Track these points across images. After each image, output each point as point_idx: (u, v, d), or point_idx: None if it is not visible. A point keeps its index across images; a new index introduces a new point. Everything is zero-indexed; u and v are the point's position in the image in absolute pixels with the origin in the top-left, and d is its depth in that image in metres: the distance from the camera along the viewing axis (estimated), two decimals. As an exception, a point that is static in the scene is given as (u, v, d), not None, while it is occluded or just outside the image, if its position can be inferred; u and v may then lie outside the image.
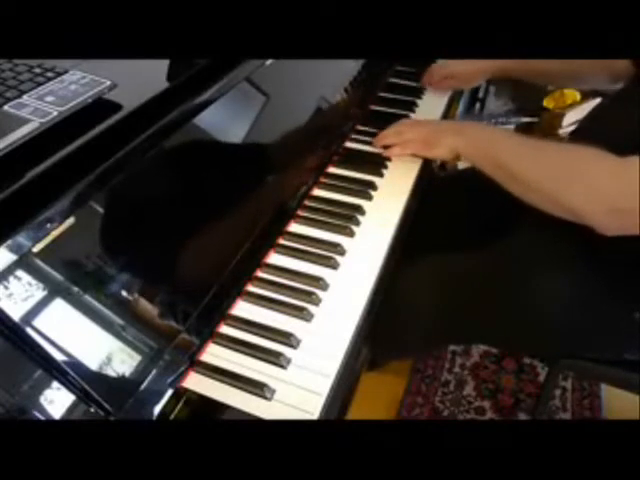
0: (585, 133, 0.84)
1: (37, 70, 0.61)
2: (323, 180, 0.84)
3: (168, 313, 0.56)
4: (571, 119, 1.74)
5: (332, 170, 0.86)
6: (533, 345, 0.93)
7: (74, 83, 0.59)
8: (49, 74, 0.60)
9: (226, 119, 0.70)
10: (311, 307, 0.64)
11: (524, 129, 1.84)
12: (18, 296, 0.45)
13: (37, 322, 0.46)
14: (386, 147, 0.90)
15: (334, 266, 0.70)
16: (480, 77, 1.07)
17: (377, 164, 0.87)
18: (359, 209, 0.79)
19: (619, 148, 0.64)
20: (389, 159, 0.88)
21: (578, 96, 1.77)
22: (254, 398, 0.55)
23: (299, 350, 0.60)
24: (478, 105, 1.85)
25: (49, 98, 0.56)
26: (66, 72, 0.61)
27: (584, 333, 0.83)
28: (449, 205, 1.02)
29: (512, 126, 1.85)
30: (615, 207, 0.66)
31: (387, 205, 0.81)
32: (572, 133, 0.98)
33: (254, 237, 0.68)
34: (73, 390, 0.47)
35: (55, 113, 0.54)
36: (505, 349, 1.33)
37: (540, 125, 1.84)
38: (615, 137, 0.66)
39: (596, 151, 0.68)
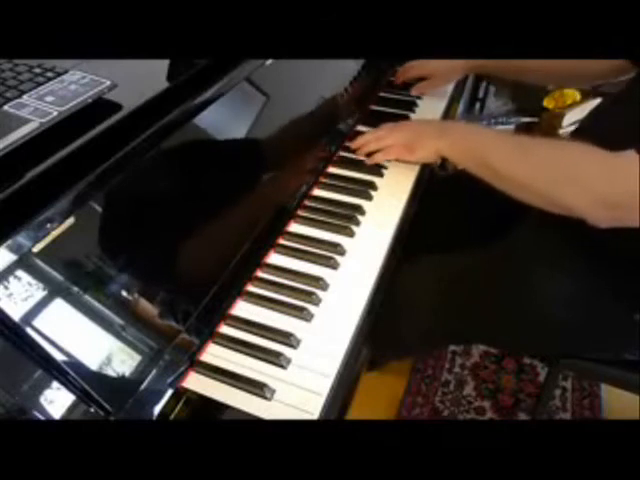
0: (586, 133, 0.84)
1: (37, 70, 0.61)
2: (323, 180, 0.84)
3: (168, 313, 0.56)
4: (571, 119, 1.74)
5: (332, 170, 0.86)
6: (533, 345, 0.93)
7: (74, 83, 0.59)
8: (49, 74, 0.60)
9: (226, 119, 0.70)
10: (311, 307, 0.64)
11: (524, 129, 1.84)
12: (18, 296, 0.45)
13: (37, 322, 0.46)
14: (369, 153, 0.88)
15: (334, 266, 0.70)
16: (457, 74, 1.06)
17: (377, 164, 0.87)
18: (359, 209, 0.79)
19: (620, 148, 0.64)
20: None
21: (578, 96, 1.77)
22: (254, 398, 0.55)
23: (299, 350, 0.60)
24: (478, 105, 1.85)
25: (49, 98, 0.56)
26: (66, 72, 0.61)
27: (584, 333, 0.83)
28: (449, 205, 1.02)
29: (512, 126, 1.85)
30: (607, 200, 0.65)
31: (387, 205, 0.81)
32: (573, 133, 0.98)
33: (254, 237, 0.68)
34: (73, 390, 0.47)
35: (55, 113, 0.54)
36: (505, 349, 1.33)
37: (540, 125, 1.84)
38: (616, 137, 0.66)
39: (584, 146, 0.68)
